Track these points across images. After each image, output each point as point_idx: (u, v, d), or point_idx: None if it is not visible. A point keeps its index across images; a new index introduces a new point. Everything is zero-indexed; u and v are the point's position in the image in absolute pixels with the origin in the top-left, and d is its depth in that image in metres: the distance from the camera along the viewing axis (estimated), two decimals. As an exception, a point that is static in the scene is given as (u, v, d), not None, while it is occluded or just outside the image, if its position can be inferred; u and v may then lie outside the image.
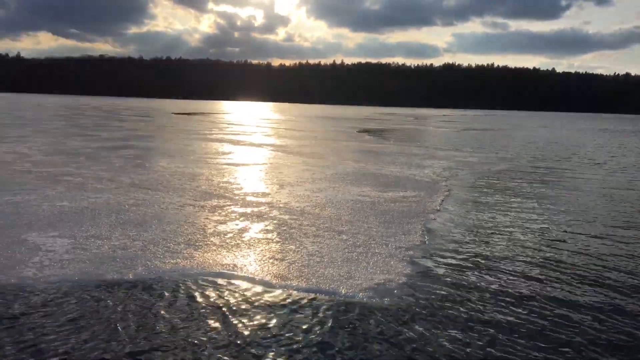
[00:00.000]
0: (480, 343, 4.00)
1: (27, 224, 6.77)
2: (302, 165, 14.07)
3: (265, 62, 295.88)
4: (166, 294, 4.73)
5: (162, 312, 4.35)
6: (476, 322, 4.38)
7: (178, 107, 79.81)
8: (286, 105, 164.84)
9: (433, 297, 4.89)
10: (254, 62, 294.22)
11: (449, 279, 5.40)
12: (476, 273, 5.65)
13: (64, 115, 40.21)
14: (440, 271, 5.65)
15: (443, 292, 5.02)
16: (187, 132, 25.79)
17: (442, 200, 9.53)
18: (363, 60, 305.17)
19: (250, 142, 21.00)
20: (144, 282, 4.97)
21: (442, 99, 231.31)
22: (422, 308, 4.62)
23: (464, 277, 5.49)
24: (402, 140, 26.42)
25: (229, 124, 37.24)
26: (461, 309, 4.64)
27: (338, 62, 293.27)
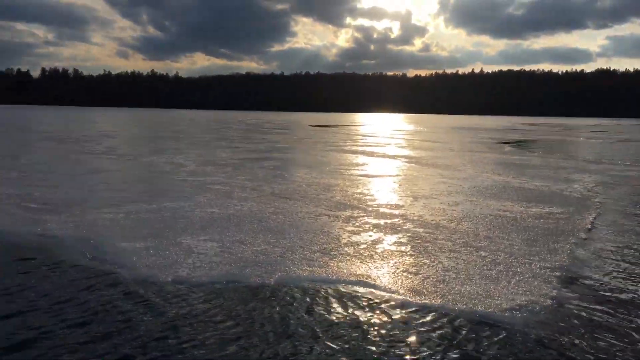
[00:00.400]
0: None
1: (182, 228, 7.47)
2: (437, 177, 13.78)
3: (401, 74, 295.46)
4: (304, 300, 4.91)
5: (303, 317, 4.52)
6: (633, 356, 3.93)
7: (315, 120, 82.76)
8: (421, 116, 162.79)
9: (581, 325, 4.48)
10: (389, 73, 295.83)
11: (600, 307, 4.91)
12: (634, 304, 5.07)
13: (214, 129, 43.81)
14: (590, 297, 5.16)
15: (594, 320, 4.58)
16: (323, 144, 26.63)
17: (594, 219, 8.70)
18: (504, 68, 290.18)
19: (383, 154, 21.08)
20: (283, 287, 5.21)
21: (592, 107, 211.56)
22: (569, 336, 4.25)
23: (619, 307, 4.95)
24: (548, 152, 24.65)
25: (363, 135, 37.74)
26: (616, 342, 4.19)
27: (477, 70, 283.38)
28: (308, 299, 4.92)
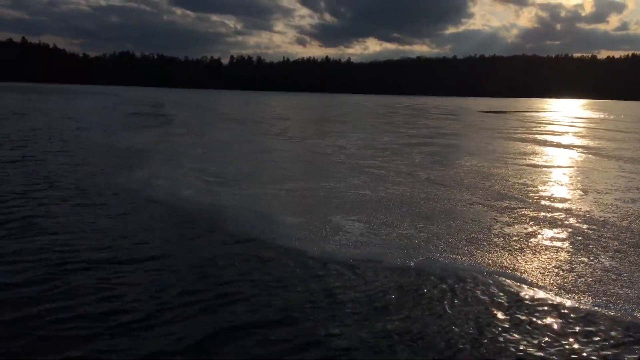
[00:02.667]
0: None
1: (334, 207, 7.84)
2: (616, 170, 12.33)
3: (590, 55, 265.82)
4: (442, 286, 4.88)
5: (443, 303, 4.52)
6: None
7: (486, 105, 78.89)
8: (612, 103, 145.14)
9: None
10: (576, 55, 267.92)
11: None
12: None
13: (379, 113, 44.35)
14: None
15: None
16: (490, 131, 25.39)
17: None
18: None
19: (557, 143, 19.40)
20: (422, 272, 5.23)
21: None
22: None
23: None
24: None
25: (538, 122, 35.05)
26: None
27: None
28: (445, 287, 4.87)
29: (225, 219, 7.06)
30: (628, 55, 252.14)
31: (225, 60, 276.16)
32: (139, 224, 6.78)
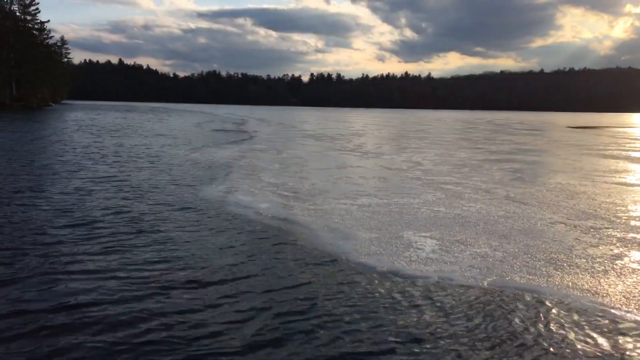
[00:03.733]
0: None
1: (406, 223, 7.79)
2: None
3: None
4: (515, 306, 4.71)
5: (512, 323, 4.38)
6: None
7: (575, 121, 74.88)
8: None
9: None
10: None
11: None
12: None
13: (458, 129, 43.39)
14: None
15: None
16: (578, 147, 24.07)
17: None
18: None
19: (654, 160, 18.06)
20: (494, 292, 5.08)
21: None
22: None
23: None
24: None
25: (632, 139, 32.78)
26: None
27: None
28: (517, 307, 4.70)
29: (298, 233, 7.23)
30: None
31: (305, 78, 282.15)
32: (217, 237, 7.10)
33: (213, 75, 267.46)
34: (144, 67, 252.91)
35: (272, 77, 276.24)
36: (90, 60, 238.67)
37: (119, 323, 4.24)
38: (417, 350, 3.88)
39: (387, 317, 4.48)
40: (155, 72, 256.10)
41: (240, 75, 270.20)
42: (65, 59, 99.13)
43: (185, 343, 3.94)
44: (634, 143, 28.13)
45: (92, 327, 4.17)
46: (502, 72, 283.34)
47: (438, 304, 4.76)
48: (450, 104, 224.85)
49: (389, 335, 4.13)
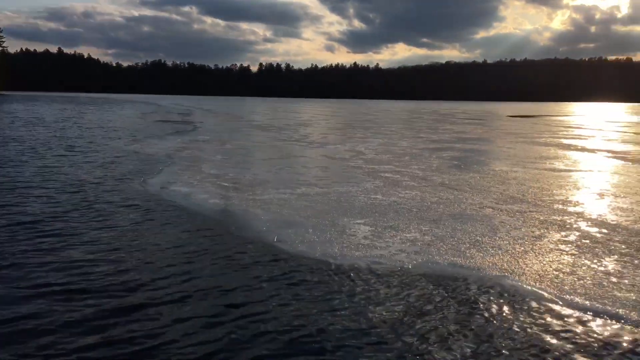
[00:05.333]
0: None
1: (343, 211, 7.95)
2: (638, 175, 12.09)
3: (624, 58, 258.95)
4: (434, 287, 4.93)
5: (432, 303, 4.58)
6: None
7: (515, 110, 77.75)
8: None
9: None
10: (611, 58, 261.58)
11: None
12: None
13: (403, 119, 44.26)
14: None
15: None
16: (514, 135, 25.08)
17: None
18: None
19: (582, 147, 19.07)
20: (418, 274, 5.29)
21: None
22: None
23: None
24: None
25: (565, 127, 34.40)
26: None
27: None
28: (442, 288, 4.93)
29: (234, 223, 7.26)
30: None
31: (254, 68, 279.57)
32: (150, 227, 7.03)
33: (158, 65, 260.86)
34: (85, 56, 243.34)
35: (220, 67, 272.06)
36: (27, 49, 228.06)
37: (41, 332, 4.16)
38: (342, 335, 4.01)
39: (315, 302, 4.59)
40: (97, 61, 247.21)
41: (186, 65, 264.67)
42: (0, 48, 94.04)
43: (120, 347, 3.92)
44: (566, 131, 29.55)
45: (18, 336, 4.08)
46: (447, 62, 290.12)
47: (365, 287, 4.91)
48: (398, 95, 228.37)
49: (316, 320, 4.25)
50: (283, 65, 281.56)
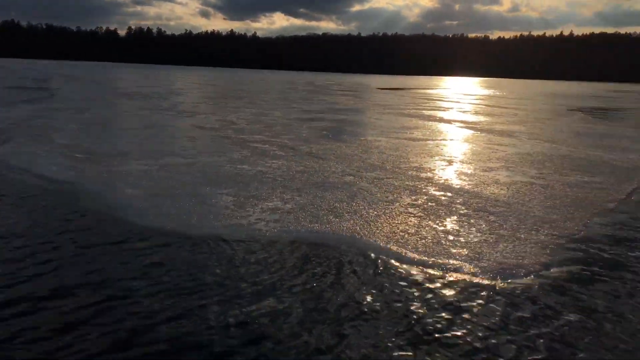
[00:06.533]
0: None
1: (207, 181, 7.80)
2: (484, 143, 13.33)
3: (482, 36, 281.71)
4: (294, 254, 5.06)
5: (285, 270, 4.68)
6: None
7: (386, 83, 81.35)
8: (502, 80, 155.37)
9: (563, 288, 4.34)
10: (471, 35, 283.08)
11: (602, 278, 4.71)
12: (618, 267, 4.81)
13: (278, 89, 44.27)
14: (594, 268, 4.94)
15: (576, 282, 4.41)
16: (382, 107, 26.28)
17: (634, 190, 8.17)
18: (597, 31, 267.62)
19: (440, 118, 20.53)
20: (274, 242, 5.38)
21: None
22: (547, 298, 4.14)
23: (609, 271, 4.72)
24: (619, 121, 23.01)
25: (428, 99, 36.78)
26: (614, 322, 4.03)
27: (566, 33, 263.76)
28: (297, 253, 5.06)
29: (82, 195, 6.80)
30: (516, 36, 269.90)
31: (122, 32, 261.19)
32: (-14, 204, 6.35)
33: (11, 25, 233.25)
34: None
35: (83, 29, 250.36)
36: None
37: None
38: (194, 305, 3.96)
39: (169, 275, 4.48)
40: None
41: (44, 27, 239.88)
42: None
43: None
44: (429, 103, 31.60)
45: None
46: (324, 34, 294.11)
47: (220, 257, 4.89)
48: (275, 65, 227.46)
49: (173, 291, 4.15)
50: (154, 30, 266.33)
